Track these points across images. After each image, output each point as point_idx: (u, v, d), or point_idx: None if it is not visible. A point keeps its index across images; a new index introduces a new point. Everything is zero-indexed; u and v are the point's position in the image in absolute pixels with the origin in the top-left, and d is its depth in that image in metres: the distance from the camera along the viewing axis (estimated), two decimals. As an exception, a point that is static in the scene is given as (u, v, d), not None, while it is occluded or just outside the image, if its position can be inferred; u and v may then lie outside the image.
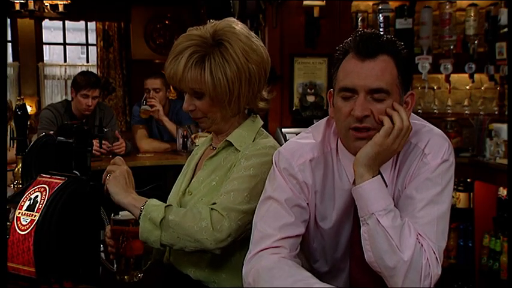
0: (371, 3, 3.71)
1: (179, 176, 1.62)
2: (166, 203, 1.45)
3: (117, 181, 1.40)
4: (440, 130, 1.32)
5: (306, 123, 3.55)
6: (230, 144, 1.47)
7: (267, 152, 1.40)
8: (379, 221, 1.17)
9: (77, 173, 1.87)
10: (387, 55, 1.21)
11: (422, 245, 1.18)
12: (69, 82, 5.68)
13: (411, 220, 1.20)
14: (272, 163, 1.34)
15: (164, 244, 1.35)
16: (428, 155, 1.24)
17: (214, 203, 1.36)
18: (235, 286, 1.41)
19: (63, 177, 1.26)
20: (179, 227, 1.32)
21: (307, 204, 1.30)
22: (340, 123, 1.25)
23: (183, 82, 1.41)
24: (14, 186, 2.37)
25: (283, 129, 3.38)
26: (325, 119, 1.37)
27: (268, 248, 1.23)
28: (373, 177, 1.20)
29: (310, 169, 1.29)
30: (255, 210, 1.33)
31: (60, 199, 1.20)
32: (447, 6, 3.45)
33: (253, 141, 1.46)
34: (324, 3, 3.38)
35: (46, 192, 1.21)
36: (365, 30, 1.27)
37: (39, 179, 1.27)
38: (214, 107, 1.43)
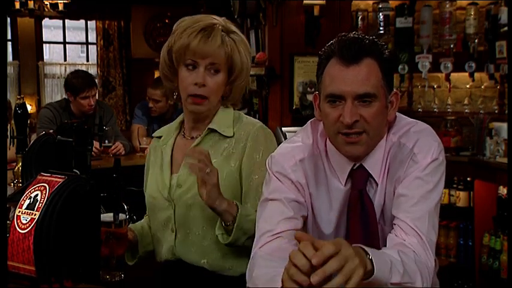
0: (371, 2, 3.71)
1: (150, 169, 1.63)
2: None
3: (218, 187, 1.37)
4: (430, 128, 1.32)
5: (306, 122, 3.55)
6: (212, 131, 1.51)
7: (264, 133, 1.51)
8: (392, 283, 1.08)
9: (77, 171, 1.87)
10: (371, 58, 1.22)
11: (412, 252, 1.16)
12: (69, 81, 5.65)
13: (404, 215, 1.22)
14: (271, 137, 1.49)
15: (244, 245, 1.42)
16: (418, 154, 1.25)
17: None
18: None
19: (63, 176, 1.25)
20: None
21: (305, 201, 1.32)
22: (329, 128, 1.27)
23: (211, 56, 1.46)
24: (14, 185, 2.37)
25: (283, 128, 3.38)
26: (310, 122, 1.38)
27: (266, 243, 1.24)
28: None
29: (302, 169, 1.31)
30: None
31: (60, 198, 1.20)
32: (447, 5, 3.45)
33: (233, 121, 1.53)
34: (324, 2, 3.38)
35: (46, 191, 1.21)
36: (347, 33, 1.28)
37: (39, 177, 1.26)
38: (222, 87, 1.50)
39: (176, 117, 4.31)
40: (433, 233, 1.22)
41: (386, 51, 1.26)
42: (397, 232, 1.21)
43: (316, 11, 3.40)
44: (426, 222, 1.21)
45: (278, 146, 1.42)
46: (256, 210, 1.38)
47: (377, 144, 1.29)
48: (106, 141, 3.59)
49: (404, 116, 1.35)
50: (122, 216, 1.42)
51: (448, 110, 3.55)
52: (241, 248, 1.43)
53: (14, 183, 2.40)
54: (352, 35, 1.26)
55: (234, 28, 1.53)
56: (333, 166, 1.32)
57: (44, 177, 1.26)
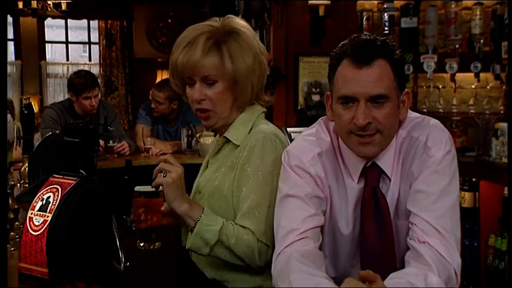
0: (376, 2, 3.70)
1: None
2: None
3: (176, 186, 1.34)
4: (439, 122, 1.33)
5: (311, 122, 3.54)
6: (229, 140, 1.47)
7: (262, 144, 1.39)
8: None
9: (83, 172, 1.87)
10: (383, 59, 1.23)
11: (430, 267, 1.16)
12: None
13: (426, 213, 1.21)
14: (270, 150, 1.37)
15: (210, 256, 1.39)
16: (432, 148, 1.26)
17: (249, 228, 1.36)
18: (249, 286, 1.44)
19: (75, 178, 1.25)
20: (230, 251, 1.36)
21: (324, 196, 1.32)
22: (342, 128, 1.28)
23: (198, 69, 1.39)
24: (20, 186, 2.37)
25: (288, 129, 3.37)
26: (321, 119, 1.39)
27: (293, 242, 1.24)
28: None
29: (320, 162, 1.32)
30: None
31: (73, 200, 1.20)
32: (453, 5, 3.43)
33: (251, 129, 1.46)
34: (329, 2, 3.38)
35: (58, 193, 1.21)
36: (359, 35, 1.29)
37: (51, 179, 1.26)
38: (225, 96, 1.42)
39: (181, 119, 4.27)
40: (457, 229, 1.22)
41: (397, 51, 1.27)
42: (417, 234, 1.20)
43: (321, 11, 3.40)
44: (449, 218, 1.21)
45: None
46: (241, 225, 1.36)
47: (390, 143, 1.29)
48: (110, 142, 3.58)
49: (410, 111, 1.36)
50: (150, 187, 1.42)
51: (453, 110, 3.54)
52: (245, 266, 1.40)
53: (20, 183, 2.39)
54: (364, 37, 1.27)
55: (235, 27, 1.42)
56: (347, 163, 1.32)
57: (56, 179, 1.25)
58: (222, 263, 1.43)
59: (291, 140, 3.38)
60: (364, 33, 1.31)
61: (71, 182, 1.23)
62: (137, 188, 1.40)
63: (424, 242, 1.19)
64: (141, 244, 1.40)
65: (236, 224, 1.38)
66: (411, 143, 1.29)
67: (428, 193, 1.22)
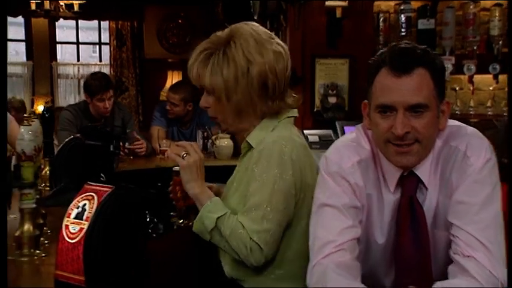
0: (393, 3, 3.67)
1: None
2: None
3: (191, 169, 1.44)
4: (475, 129, 1.31)
5: (327, 124, 3.53)
6: (250, 144, 1.49)
7: (271, 148, 1.39)
8: None
9: (103, 175, 1.86)
10: (423, 68, 1.21)
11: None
12: (82, 81, 5.68)
13: (470, 226, 1.18)
14: (277, 153, 1.37)
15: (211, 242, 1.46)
16: (471, 157, 1.24)
17: (243, 224, 1.39)
18: (264, 286, 1.45)
19: (110, 186, 1.25)
20: (225, 242, 1.40)
21: (361, 205, 1.30)
22: (379, 137, 1.26)
23: (195, 79, 1.47)
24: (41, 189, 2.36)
25: (304, 131, 3.35)
26: (360, 126, 1.37)
27: (330, 254, 1.22)
28: None
29: (360, 171, 1.30)
30: (277, 217, 1.37)
31: (109, 207, 1.19)
32: (471, 6, 3.41)
33: (269, 133, 1.46)
34: (346, 3, 3.35)
35: (94, 201, 1.21)
36: (399, 43, 1.27)
37: (86, 186, 1.26)
38: (221, 105, 1.45)
39: (196, 120, 4.26)
40: (501, 238, 1.19)
41: (438, 60, 1.25)
42: (461, 247, 1.18)
43: (338, 13, 3.37)
44: (493, 230, 1.19)
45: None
46: (242, 224, 1.37)
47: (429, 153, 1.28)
48: (127, 144, 3.57)
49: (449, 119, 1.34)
50: None
51: (471, 112, 3.51)
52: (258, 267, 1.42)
53: (41, 187, 2.40)
54: (403, 45, 1.25)
55: (232, 36, 1.43)
56: (384, 172, 1.31)
57: (91, 187, 1.25)
58: (239, 262, 1.44)
59: (308, 142, 3.34)
60: (404, 41, 1.29)
61: (106, 189, 1.23)
62: (175, 168, 1.49)
63: (469, 256, 1.17)
64: (180, 221, 1.49)
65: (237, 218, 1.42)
66: (450, 152, 1.26)
67: (470, 204, 1.20)
